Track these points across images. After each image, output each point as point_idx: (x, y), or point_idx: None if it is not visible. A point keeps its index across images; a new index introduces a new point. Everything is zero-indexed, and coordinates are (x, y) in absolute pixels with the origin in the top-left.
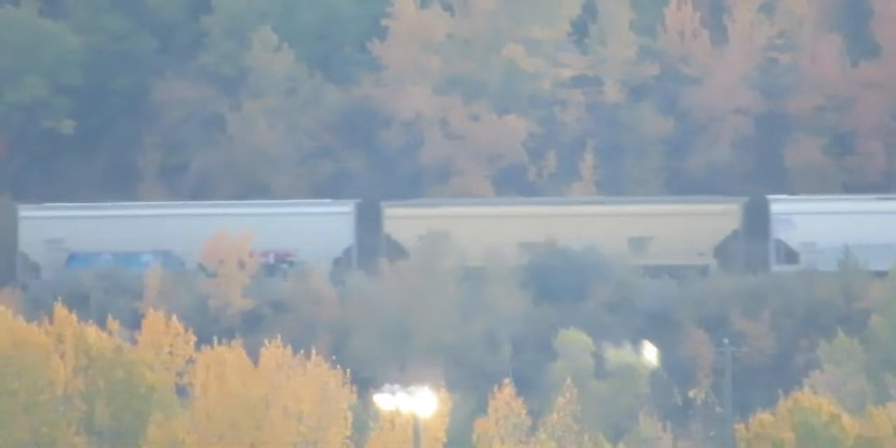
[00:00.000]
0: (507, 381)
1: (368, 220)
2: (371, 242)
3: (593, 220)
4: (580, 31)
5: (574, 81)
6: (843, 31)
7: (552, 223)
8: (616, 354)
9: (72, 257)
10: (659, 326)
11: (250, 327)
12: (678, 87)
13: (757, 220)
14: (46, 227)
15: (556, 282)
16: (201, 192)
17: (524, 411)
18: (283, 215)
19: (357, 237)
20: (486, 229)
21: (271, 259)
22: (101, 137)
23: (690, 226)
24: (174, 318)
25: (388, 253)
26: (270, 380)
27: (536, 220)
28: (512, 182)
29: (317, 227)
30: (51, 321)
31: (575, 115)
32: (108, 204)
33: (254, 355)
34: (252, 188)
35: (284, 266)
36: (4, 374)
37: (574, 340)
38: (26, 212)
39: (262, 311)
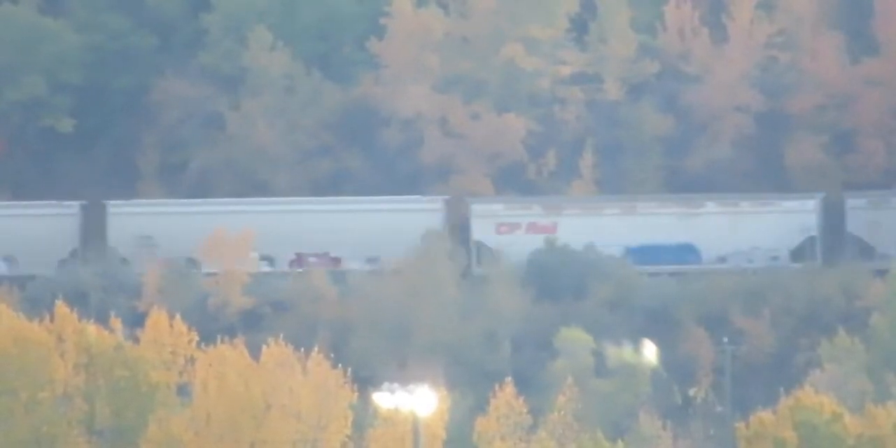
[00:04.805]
0: (507, 379)
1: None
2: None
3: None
4: (579, 28)
5: (573, 79)
6: (843, 28)
7: None
8: (616, 353)
9: None
10: (659, 325)
11: (250, 326)
12: (678, 85)
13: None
14: None
15: (556, 280)
16: (200, 190)
17: (525, 410)
18: None
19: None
20: None
21: None
22: (101, 136)
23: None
24: (178, 317)
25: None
26: (270, 378)
27: None
28: (512, 181)
29: None
30: (51, 319)
31: (574, 114)
32: None
33: (253, 354)
34: (251, 187)
35: None
36: (5, 372)
37: (574, 339)
38: None
39: (262, 310)
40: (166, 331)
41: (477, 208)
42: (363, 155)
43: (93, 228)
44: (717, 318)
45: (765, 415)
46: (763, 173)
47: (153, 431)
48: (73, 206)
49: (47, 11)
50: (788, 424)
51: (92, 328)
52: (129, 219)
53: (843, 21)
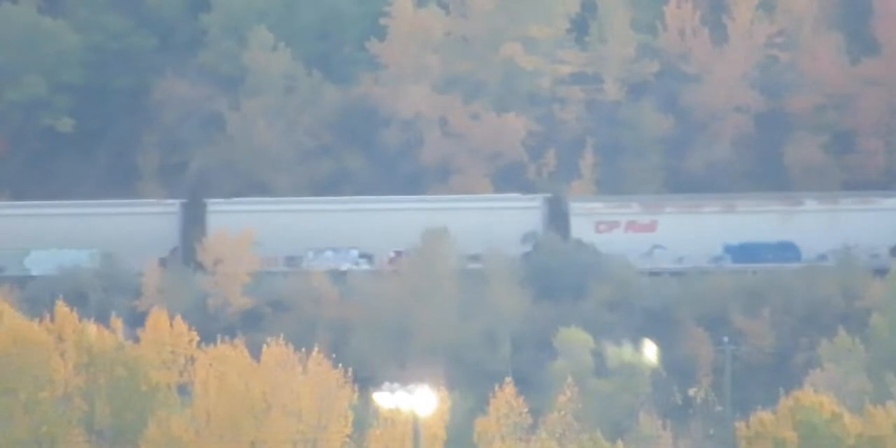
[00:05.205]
0: (507, 379)
1: None
2: None
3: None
4: (579, 28)
5: (573, 79)
6: (842, 28)
7: None
8: (616, 353)
9: None
10: (659, 325)
11: (250, 326)
12: (678, 84)
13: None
14: None
15: (556, 280)
16: (200, 190)
17: (525, 410)
18: None
19: None
20: None
21: None
22: (101, 136)
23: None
24: (178, 317)
25: None
26: (270, 378)
27: None
28: (511, 180)
29: None
30: (51, 319)
31: (574, 114)
32: None
33: (253, 354)
34: (251, 187)
35: None
36: (5, 371)
37: (574, 339)
38: None
39: (262, 310)
40: (166, 331)
41: (576, 207)
42: (363, 155)
43: (193, 226)
44: (717, 318)
45: (765, 415)
46: (763, 173)
47: (153, 431)
48: (173, 204)
49: (47, 11)
50: (788, 424)
51: (92, 328)
52: (230, 217)
53: (842, 21)
